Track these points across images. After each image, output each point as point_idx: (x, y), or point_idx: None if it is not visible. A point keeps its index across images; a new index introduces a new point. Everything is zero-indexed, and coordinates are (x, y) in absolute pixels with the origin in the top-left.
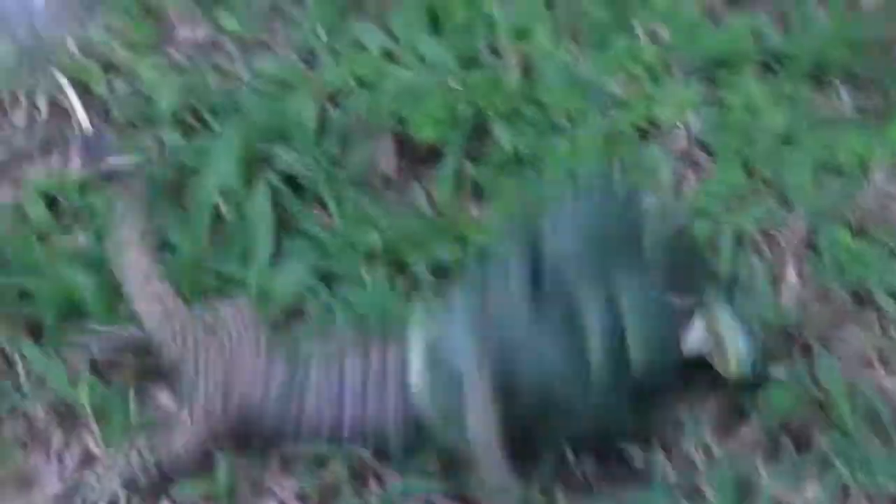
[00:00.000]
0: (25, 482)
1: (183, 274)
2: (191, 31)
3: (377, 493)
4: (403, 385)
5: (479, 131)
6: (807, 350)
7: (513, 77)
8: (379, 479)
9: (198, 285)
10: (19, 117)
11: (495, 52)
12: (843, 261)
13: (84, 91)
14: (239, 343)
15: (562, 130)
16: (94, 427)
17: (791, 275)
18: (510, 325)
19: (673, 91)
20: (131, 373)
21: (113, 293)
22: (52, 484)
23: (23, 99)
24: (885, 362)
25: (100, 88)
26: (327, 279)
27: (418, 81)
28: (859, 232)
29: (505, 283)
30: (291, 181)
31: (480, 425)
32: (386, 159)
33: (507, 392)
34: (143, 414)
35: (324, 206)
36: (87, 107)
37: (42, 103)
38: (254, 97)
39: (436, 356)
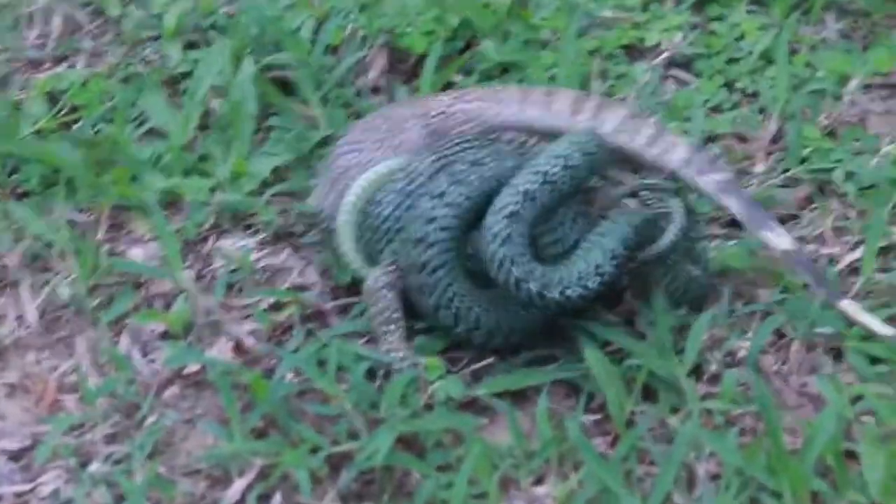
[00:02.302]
0: None
1: (172, 155)
2: None
3: (326, 333)
4: None
5: (468, 46)
6: None
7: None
8: (327, 322)
9: (184, 164)
10: (34, 34)
11: None
12: (810, 154)
13: (98, 14)
14: None
15: (547, 45)
16: (72, 263)
17: (758, 166)
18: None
19: (661, 16)
20: None
21: (97, 167)
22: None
23: (38, 18)
24: (840, 238)
25: (114, 11)
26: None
27: (414, 1)
28: (829, 134)
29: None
30: (282, 85)
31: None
32: (376, 69)
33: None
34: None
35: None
36: (97, 27)
37: (56, 22)
38: (254, 13)
39: None
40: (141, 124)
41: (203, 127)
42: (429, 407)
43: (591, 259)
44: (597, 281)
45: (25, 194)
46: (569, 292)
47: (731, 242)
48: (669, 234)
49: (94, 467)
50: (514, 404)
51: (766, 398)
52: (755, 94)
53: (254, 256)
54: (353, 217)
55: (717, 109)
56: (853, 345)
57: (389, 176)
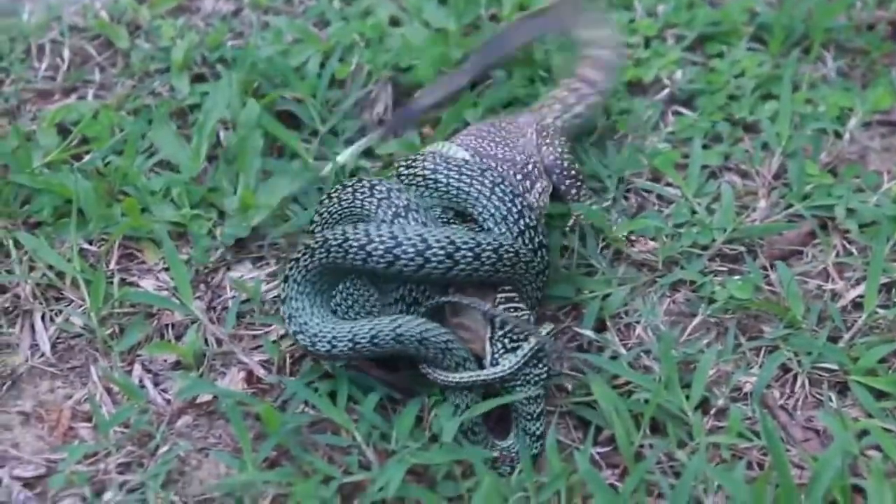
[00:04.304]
0: (7, 347)
1: (181, 187)
2: (215, 3)
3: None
4: None
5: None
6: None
7: None
8: None
9: (193, 196)
10: (44, 65)
11: (497, 19)
12: (811, 190)
13: (108, 46)
14: None
15: (549, 80)
16: (84, 293)
17: (762, 201)
18: None
19: (662, 53)
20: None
21: (108, 198)
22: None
23: (48, 50)
24: (842, 274)
25: (123, 44)
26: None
27: (418, 38)
28: (829, 171)
29: None
30: (290, 118)
31: None
32: (381, 103)
33: None
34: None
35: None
36: (106, 58)
37: (66, 54)
38: (262, 48)
39: None
40: (151, 156)
41: (211, 158)
42: (434, 437)
43: (359, 330)
44: (347, 347)
45: (37, 225)
46: (319, 346)
47: (736, 278)
48: (456, 375)
49: (108, 496)
50: None
51: (773, 433)
52: (756, 130)
53: (263, 287)
54: None
55: (716, 137)
56: (858, 379)
57: None
